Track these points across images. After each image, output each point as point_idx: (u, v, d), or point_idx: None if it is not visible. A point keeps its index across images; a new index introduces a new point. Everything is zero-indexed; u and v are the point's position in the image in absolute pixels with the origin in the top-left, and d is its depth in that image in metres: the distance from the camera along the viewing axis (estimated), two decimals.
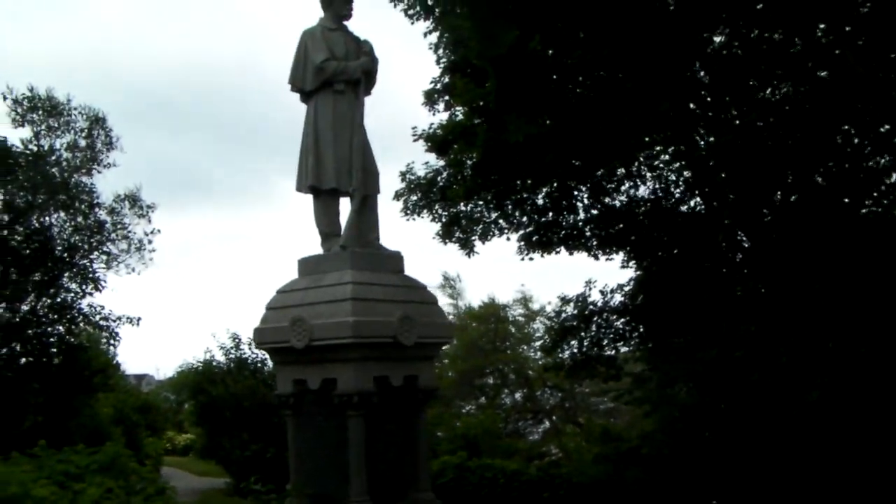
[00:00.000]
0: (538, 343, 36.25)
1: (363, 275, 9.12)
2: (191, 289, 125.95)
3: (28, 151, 20.78)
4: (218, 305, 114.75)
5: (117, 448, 11.53)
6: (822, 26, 15.84)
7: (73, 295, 21.96)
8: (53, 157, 21.16)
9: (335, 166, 9.57)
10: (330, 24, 9.99)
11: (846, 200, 16.52)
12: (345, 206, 9.87)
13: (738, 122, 17.32)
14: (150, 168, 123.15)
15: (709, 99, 17.10)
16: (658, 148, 19.28)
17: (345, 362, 8.82)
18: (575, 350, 21.38)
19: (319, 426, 9.23)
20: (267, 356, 26.25)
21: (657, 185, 20.16)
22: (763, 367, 15.21)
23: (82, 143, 21.36)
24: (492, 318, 38.48)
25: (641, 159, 19.66)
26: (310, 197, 9.96)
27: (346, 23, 10.18)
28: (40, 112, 20.87)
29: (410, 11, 17.28)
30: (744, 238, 18.40)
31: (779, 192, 17.38)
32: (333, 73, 9.62)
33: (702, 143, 18.20)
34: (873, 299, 14.42)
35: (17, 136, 20.70)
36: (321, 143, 9.64)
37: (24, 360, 21.77)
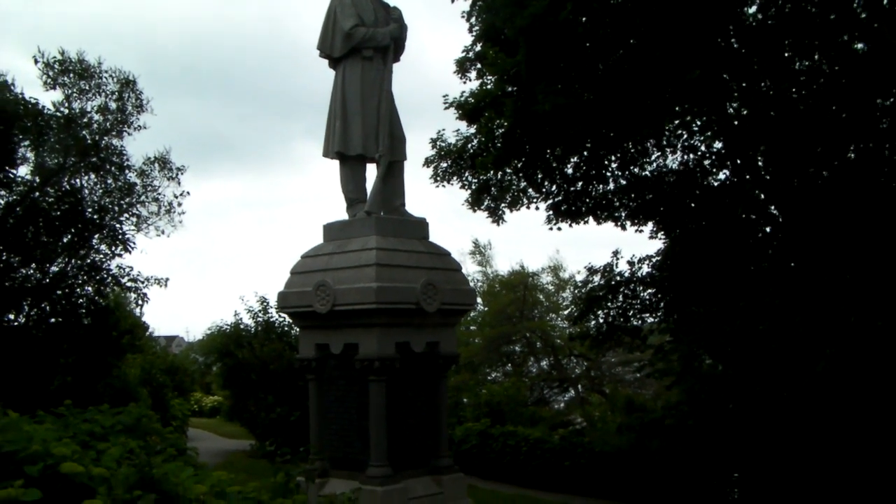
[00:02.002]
0: (566, 312, 36.29)
1: (388, 241, 9.13)
2: (218, 251, 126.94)
3: (59, 114, 20.85)
4: (246, 268, 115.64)
5: (141, 409, 11.61)
6: None
7: (102, 256, 22.09)
8: (84, 120, 21.21)
9: (362, 132, 9.56)
10: None
11: (881, 178, 16.35)
12: (371, 172, 9.88)
13: (771, 93, 17.17)
14: (173, 130, 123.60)
15: (742, 69, 16.91)
16: (689, 118, 19.12)
17: (367, 328, 8.84)
18: (601, 320, 21.34)
19: (341, 391, 9.28)
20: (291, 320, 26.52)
21: (687, 156, 20.02)
22: (784, 339, 15.16)
23: (112, 105, 21.41)
24: (520, 286, 38.43)
25: (671, 129, 19.52)
26: (336, 162, 9.97)
27: None
28: (71, 75, 20.91)
29: None
30: (774, 210, 18.27)
31: (811, 166, 17.22)
32: (362, 40, 9.60)
33: (734, 113, 18.06)
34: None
35: (49, 99, 20.77)
36: (349, 110, 9.63)
37: (53, 320, 21.94)
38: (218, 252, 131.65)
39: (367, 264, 8.83)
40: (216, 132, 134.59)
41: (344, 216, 9.97)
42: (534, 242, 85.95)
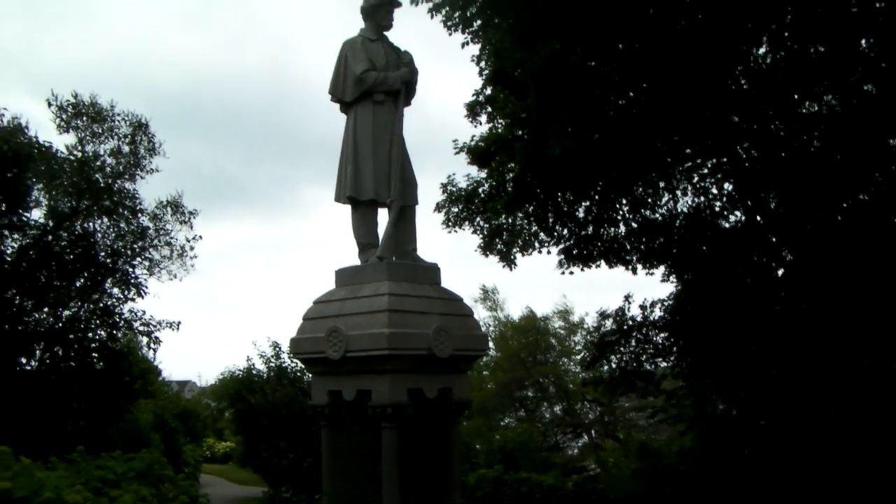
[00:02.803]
0: (578, 356, 36.22)
1: (400, 286, 9.10)
2: (230, 295, 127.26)
3: (72, 157, 20.98)
4: (258, 312, 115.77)
5: (154, 455, 11.58)
6: (868, 40, 15.72)
7: (115, 300, 22.13)
8: (97, 163, 21.34)
9: (374, 177, 9.58)
10: (370, 35, 10.01)
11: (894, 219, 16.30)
12: (383, 217, 9.87)
13: (781, 134, 17.18)
14: (180, 174, 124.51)
15: (752, 111, 16.94)
16: (699, 160, 19.15)
17: (380, 374, 8.79)
18: (614, 365, 21.27)
19: (353, 437, 9.21)
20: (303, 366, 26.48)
21: (698, 199, 20.03)
22: (796, 383, 15.10)
23: (125, 148, 21.54)
24: (532, 331, 38.38)
25: (682, 172, 19.55)
26: (346, 207, 9.98)
27: (386, 33, 10.20)
28: (84, 118, 21.06)
29: (449, 23, 17.23)
30: (786, 253, 18.22)
31: (824, 207, 17.18)
32: (373, 84, 9.63)
33: (744, 155, 18.07)
34: None
35: (62, 142, 20.92)
36: (360, 154, 9.64)
37: (65, 364, 21.93)
38: (229, 296, 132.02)
39: (379, 310, 8.80)
40: (224, 176, 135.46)
41: (355, 261, 9.96)
42: (545, 286, 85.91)
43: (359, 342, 8.78)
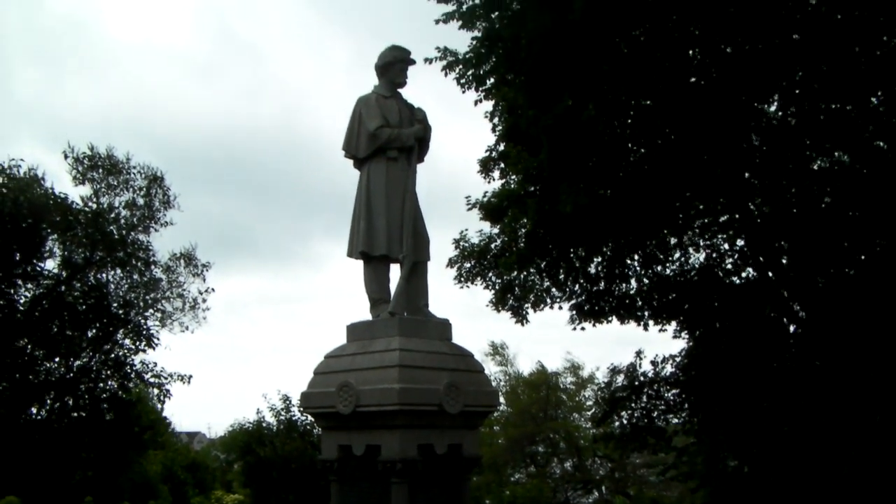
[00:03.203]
0: (589, 412, 36.06)
1: (411, 342, 9.11)
2: (240, 346, 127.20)
3: (87, 209, 21.16)
4: (267, 364, 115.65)
5: None
6: (878, 95, 15.82)
7: (126, 351, 22.20)
8: (112, 215, 21.53)
9: (386, 233, 9.62)
10: (384, 92, 10.11)
11: None
12: (395, 272, 9.90)
13: (793, 190, 17.23)
14: (191, 225, 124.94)
15: (763, 167, 17.01)
16: (710, 217, 19.19)
17: (390, 429, 8.78)
18: (625, 421, 21.18)
19: (363, 492, 9.16)
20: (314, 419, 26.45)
21: (710, 255, 20.05)
22: (809, 440, 15.03)
23: (140, 201, 21.74)
24: (542, 386, 38.26)
25: (694, 228, 19.58)
26: (358, 262, 10.02)
27: (399, 90, 10.30)
28: (100, 170, 21.27)
29: (462, 81, 17.39)
30: (798, 308, 18.19)
31: (836, 263, 17.19)
32: (387, 141, 9.71)
33: (756, 211, 18.11)
34: None
35: (78, 194, 21.16)
36: (373, 210, 9.70)
37: (75, 414, 21.96)
38: (240, 348, 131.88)
39: (390, 365, 8.80)
40: (235, 228, 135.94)
41: (367, 316, 9.98)
42: (555, 341, 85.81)
43: (369, 397, 8.77)
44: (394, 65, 10.13)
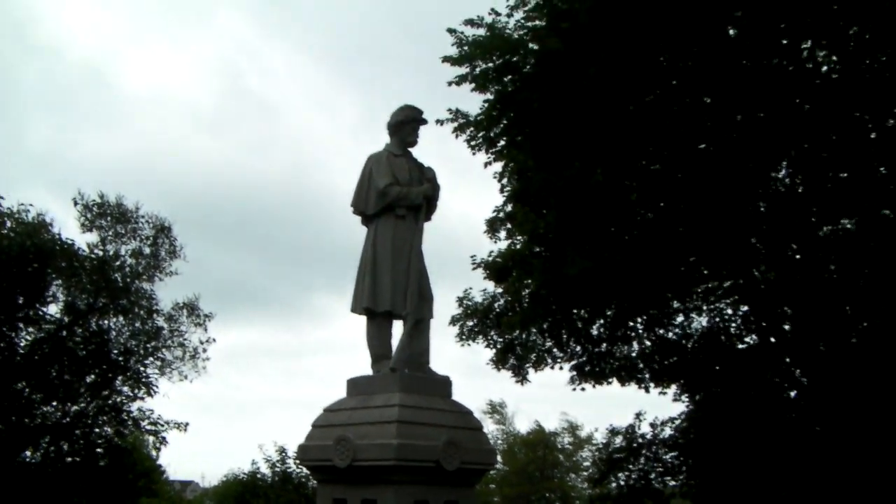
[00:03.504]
0: (586, 472, 35.91)
1: (411, 398, 9.10)
2: (238, 398, 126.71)
3: (93, 256, 21.24)
4: (264, 416, 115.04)
5: None
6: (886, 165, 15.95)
7: (124, 398, 22.16)
8: (117, 263, 21.61)
9: (391, 290, 9.64)
10: (395, 150, 10.18)
11: None
12: (397, 328, 9.93)
13: (798, 257, 17.30)
14: (193, 275, 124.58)
15: (769, 233, 17.09)
16: (715, 282, 19.25)
17: (386, 484, 8.74)
18: (622, 482, 21.10)
19: None
20: (310, 472, 26.33)
21: (713, 320, 20.09)
22: None
23: (146, 250, 21.83)
24: (540, 445, 38.13)
25: (698, 293, 19.63)
26: (360, 317, 10.05)
27: (410, 149, 10.39)
28: (109, 218, 21.39)
29: (472, 143, 17.56)
30: (800, 374, 18.18)
31: (838, 330, 17.20)
32: (396, 198, 9.77)
33: (760, 277, 18.16)
34: None
35: (84, 241, 21.20)
36: (379, 267, 9.74)
37: (70, 459, 21.87)
38: (236, 398, 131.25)
39: (389, 420, 8.79)
40: (237, 279, 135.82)
41: (367, 371, 9.99)
42: (554, 401, 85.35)
43: (367, 452, 8.75)
44: (406, 124, 10.22)
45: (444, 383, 9.82)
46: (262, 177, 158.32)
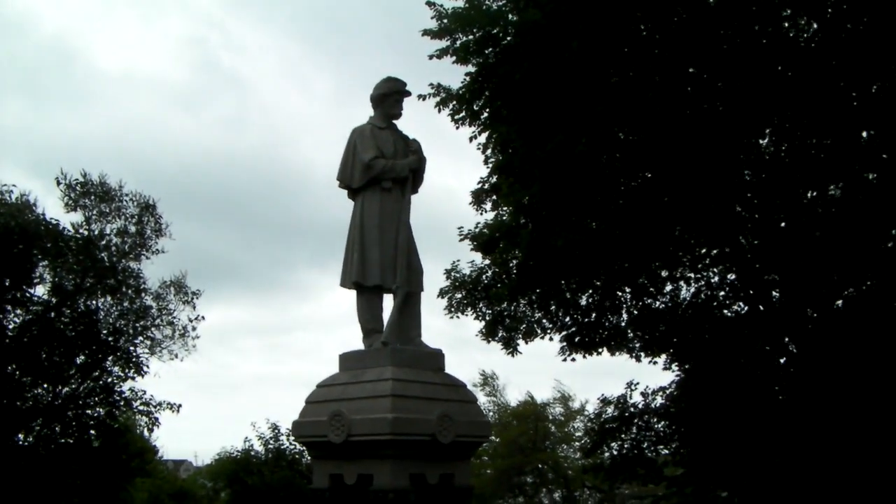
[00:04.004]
0: (578, 443, 36.06)
1: (404, 372, 9.11)
2: (226, 376, 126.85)
3: (78, 236, 21.14)
4: (253, 393, 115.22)
5: None
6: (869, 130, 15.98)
7: (114, 379, 22.12)
8: (103, 242, 21.51)
9: (380, 263, 9.63)
10: (380, 123, 10.14)
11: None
12: (388, 302, 9.92)
13: (783, 224, 17.34)
14: (176, 254, 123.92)
15: (754, 201, 17.11)
16: (702, 250, 19.26)
17: (382, 459, 8.77)
18: (615, 452, 21.17)
19: None
20: (304, 448, 26.37)
21: (701, 288, 20.10)
22: (801, 472, 15.11)
23: (132, 228, 21.73)
24: (532, 417, 38.22)
25: (685, 261, 19.63)
26: (347, 291, 10.03)
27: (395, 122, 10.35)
28: (93, 197, 21.27)
29: (457, 117, 17.50)
30: (788, 341, 18.25)
31: (826, 296, 17.27)
32: (381, 171, 9.74)
33: (747, 245, 18.19)
34: None
35: (69, 221, 21.07)
36: (367, 240, 9.71)
37: (63, 441, 21.86)
38: (226, 376, 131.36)
39: (383, 395, 8.81)
40: (216, 257, 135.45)
41: (356, 346, 9.98)
42: (546, 369, 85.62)
43: (361, 427, 8.77)
44: (389, 96, 10.18)
45: (437, 356, 9.82)
46: (237, 153, 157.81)
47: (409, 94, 10.34)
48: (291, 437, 25.91)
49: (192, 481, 47.24)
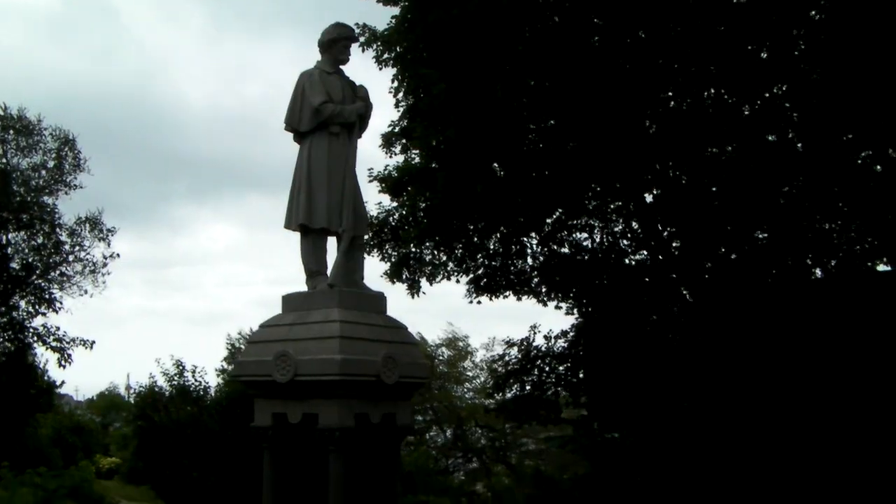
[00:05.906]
0: (470, 384, 36.66)
1: (350, 314, 9.35)
2: (106, 310, 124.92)
3: None
4: (134, 328, 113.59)
5: (83, 473, 11.57)
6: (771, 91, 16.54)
7: (24, 314, 21.74)
8: (17, 175, 21.00)
9: (327, 206, 9.81)
10: (327, 68, 10.26)
11: (789, 261, 17.07)
12: (331, 246, 10.12)
13: (684, 178, 17.88)
14: None
15: (656, 154, 17.56)
16: (607, 198, 19.70)
17: (328, 398, 9.01)
18: (517, 392, 21.64)
19: (297, 460, 9.39)
20: (210, 385, 26.41)
21: (604, 237, 20.60)
22: (691, 413, 15.78)
23: (51, 163, 21.27)
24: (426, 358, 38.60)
25: (590, 209, 20.05)
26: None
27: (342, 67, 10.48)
28: (11, 132, 20.71)
29: (382, 59, 17.57)
30: (685, 293, 18.88)
31: (721, 249, 17.89)
32: (330, 116, 9.88)
33: (649, 197, 18.71)
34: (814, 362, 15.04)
35: None
36: (314, 184, 9.87)
37: None
38: (106, 311, 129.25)
39: (330, 336, 9.03)
40: (90, 191, 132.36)
41: (300, 287, 10.16)
42: (462, 313, 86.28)
43: (309, 367, 8.98)
44: (338, 42, 10.29)
45: (380, 299, 10.09)
46: (108, 87, 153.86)
47: (356, 40, 10.54)
48: (196, 374, 26.05)
49: (83, 416, 46.84)
